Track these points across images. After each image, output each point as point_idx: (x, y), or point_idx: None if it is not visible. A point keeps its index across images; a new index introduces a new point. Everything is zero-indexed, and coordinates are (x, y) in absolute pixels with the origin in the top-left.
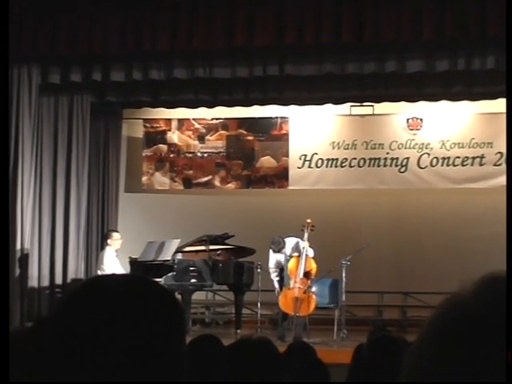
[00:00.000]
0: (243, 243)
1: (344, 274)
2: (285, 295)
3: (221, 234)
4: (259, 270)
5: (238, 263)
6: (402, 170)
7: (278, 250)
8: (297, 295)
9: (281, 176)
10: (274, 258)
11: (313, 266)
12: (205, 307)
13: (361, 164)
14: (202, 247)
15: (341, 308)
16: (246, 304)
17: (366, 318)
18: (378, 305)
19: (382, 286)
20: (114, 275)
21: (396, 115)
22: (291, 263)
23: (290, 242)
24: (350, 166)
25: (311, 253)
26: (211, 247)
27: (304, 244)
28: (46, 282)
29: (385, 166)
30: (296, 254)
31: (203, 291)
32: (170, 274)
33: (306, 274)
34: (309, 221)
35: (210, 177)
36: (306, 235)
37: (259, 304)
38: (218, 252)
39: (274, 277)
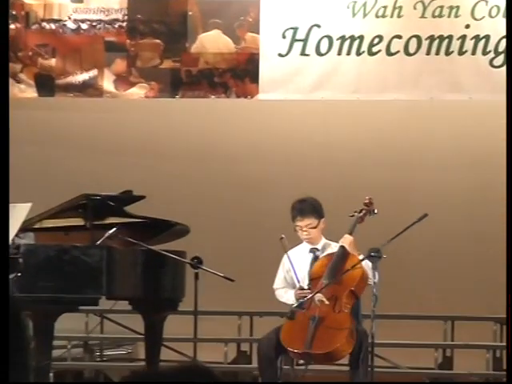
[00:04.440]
0: (164, 213)
1: (376, 279)
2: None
3: (116, 194)
4: (197, 271)
5: (154, 255)
6: (498, 62)
7: (300, 212)
8: (318, 314)
9: (242, 72)
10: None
11: (359, 273)
12: (83, 345)
13: (411, 49)
14: (78, 220)
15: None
16: (168, 339)
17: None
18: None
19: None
20: None
21: None
22: (316, 266)
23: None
24: (389, 54)
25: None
26: (96, 221)
27: (347, 240)
28: None
29: (461, 53)
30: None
31: (80, 313)
32: (11, 276)
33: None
34: (367, 199)
35: (93, 72)
36: (353, 225)
37: (195, 342)
38: (112, 230)
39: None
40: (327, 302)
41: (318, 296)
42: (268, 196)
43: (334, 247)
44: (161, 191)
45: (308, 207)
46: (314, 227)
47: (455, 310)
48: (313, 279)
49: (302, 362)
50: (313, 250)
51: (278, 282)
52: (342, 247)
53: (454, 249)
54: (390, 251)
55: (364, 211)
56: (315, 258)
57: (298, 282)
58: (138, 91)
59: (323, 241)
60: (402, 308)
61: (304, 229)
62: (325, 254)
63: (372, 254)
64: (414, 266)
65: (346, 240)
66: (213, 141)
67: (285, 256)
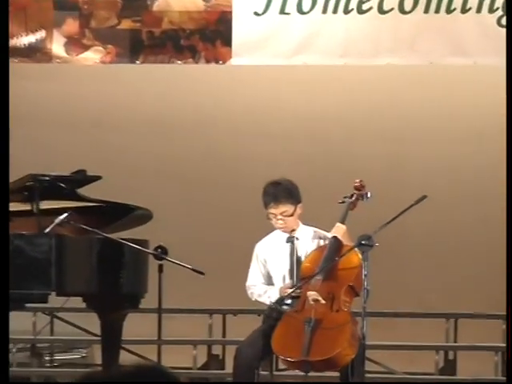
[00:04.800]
0: (123, 196)
1: (365, 272)
2: (286, 322)
3: (68, 174)
4: (161, 262)
5: (111, 244)
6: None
7: (274, 198)
8: (313, 315)
9: (213, 34)
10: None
11: (355, 261)
12: (31, 348)
13: (407, 6)
14: (23, 204)
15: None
16: (128, 341)
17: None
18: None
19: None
20: None
21: None
22: (307, 260)
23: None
24: (381, 12)
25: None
26: (44, 205)
27: (340, 230)
28: None
29: (464, 10)
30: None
31: (27, 311)
32: None
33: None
34: (358, 182)
35: (40, 33)
36: (344, 213)
37: (159, 344)
38: (63, 216)
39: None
40: (323, 302)
41: (313, 295)
42: (244, 176)
43: (314, 233)
44: (119, 170)
45: (283, 192)
46: (291, 215)
47: (459, 307)
48: (304, 278)
49: (283, 367)
50: (290, 239)
51: (254, 279)
52: (335, 238)
53: (457, 236)
54: (383, 239)
55: (355, 196)
56: (294, 249)
57: (292, 278)
58: (92, 56)
59: (301, 227)
60: (397, 304)
61: (279, 217)
62: (304, 241)
63: (362, 241)
64: (412, 256)
65: (339, 230)
66: (179, 113)
67: (257, 246)
